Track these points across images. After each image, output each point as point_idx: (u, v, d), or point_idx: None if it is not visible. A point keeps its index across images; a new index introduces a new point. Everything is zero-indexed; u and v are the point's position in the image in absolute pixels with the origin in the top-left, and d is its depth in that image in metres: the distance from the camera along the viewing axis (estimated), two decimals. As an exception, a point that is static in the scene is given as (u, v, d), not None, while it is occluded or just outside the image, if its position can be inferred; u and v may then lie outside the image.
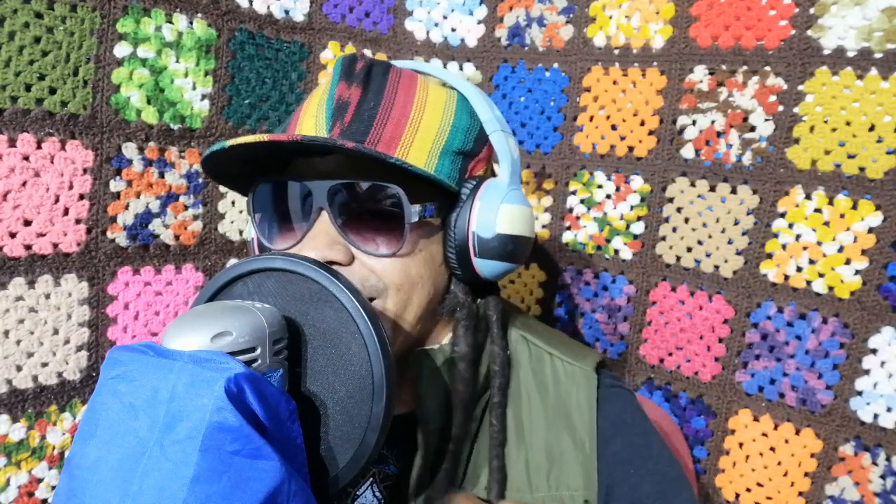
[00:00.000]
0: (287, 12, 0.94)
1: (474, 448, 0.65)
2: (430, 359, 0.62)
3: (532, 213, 0.65)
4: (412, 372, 0.63)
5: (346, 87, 0.62)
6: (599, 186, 1.04)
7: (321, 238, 0.58)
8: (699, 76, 0.95)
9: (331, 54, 0.99)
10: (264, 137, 0.54)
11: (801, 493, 0.90)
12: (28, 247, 0.74)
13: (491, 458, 0.62)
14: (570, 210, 1.07)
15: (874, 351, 0.84)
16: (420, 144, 0.61)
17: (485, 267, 0.62)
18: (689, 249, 0.98)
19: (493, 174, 0.68)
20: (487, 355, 0.66)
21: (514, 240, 0.61)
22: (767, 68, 0.89)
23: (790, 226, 0.89)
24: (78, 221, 0.78)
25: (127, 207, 0.81)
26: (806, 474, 0.89)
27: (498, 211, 0.60)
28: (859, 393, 0.85)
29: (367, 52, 1.04)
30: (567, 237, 1.08)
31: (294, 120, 0.66)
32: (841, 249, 0.85)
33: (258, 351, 0.44)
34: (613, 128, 1.02)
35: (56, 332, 0.77)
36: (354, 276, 0.59)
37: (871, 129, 0.82)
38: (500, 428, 0.64)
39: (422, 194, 0.60)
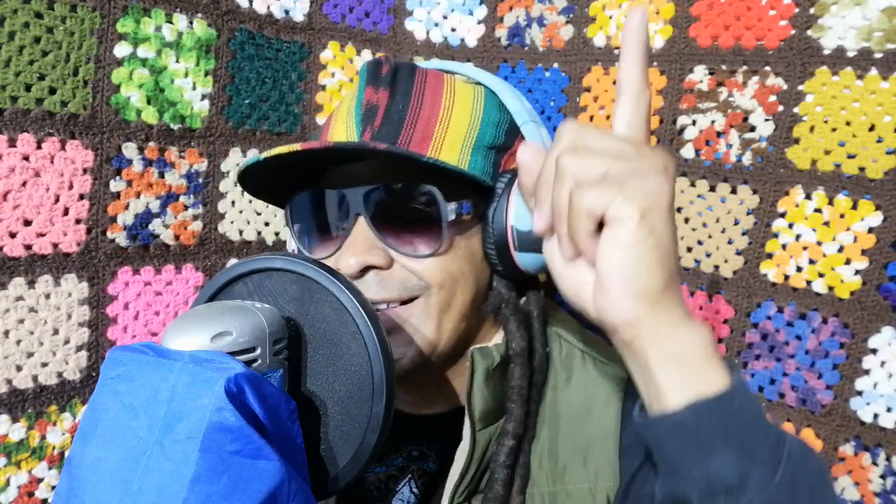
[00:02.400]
0: (287, 12, 0.94)
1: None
2: (486, 357, 0.61)
3: None
4: (462, 370, 0.63)
5: (374, 92, 0.61)
6: (599, 186, 1.04)
7: (360, 244, 0.59)
8: (699, 76, 0.94)
9: (331, 54, 0.99)
10: (297, 147, 0.54)
11: (801, 493, 0.90)
12: (28, 247, 0.74)
13: (519, 452, 0.62)
14: (570, 210, 1.07)
15: (874, 351, 0.84)
16: (452, 142, 0.61)
17: (525, 260, 0.61)
18: (689, 249, 0.98)
19: None
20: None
21: None
22: (767, 68, 0.89)
23: (790, 226, 0.89)
24: (78, 221, 0.78)
25: (127, 207, 0.81)
26: (806, 474, 0.89)
27: None
28: (859, 393, 0.85)
29: (367, 52, 1.04)
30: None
31: (325, 128, 0.66)
32: (841, 249, 0.85)
33: (258, 351, 0.44)
34: (613, 128, 1.02)
35: (56, 332, 0.77)
36: (395, 278, 0.59)
37: (871, 129, 0.82)
38: (532, 425, 0.64)
39: (457, 192, 0.60)
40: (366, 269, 0.59)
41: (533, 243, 0.60)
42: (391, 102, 0.61)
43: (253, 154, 0.93)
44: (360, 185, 0.59)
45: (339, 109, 0.66)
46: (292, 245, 0.70)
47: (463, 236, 0.62)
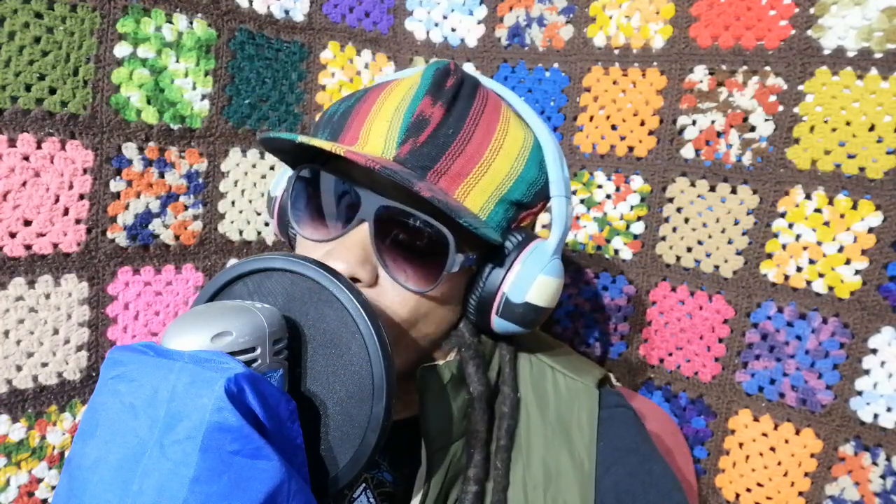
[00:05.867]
0: (287, 12, 0.94)
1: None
2: (436, 376, 0.61)
3: (562, 286, 0.64)
4: (414, 386, 0.62)
5: (431, 104, 0.58)
6: (599, 186, 1.04)
7: (355, 251, 0.56)
8: (699, 76, 0.95)
9: (331, 54, 0.99)
10: (341, 151, 0.51)
11: (801, 493, 0.90)
12: (28, 247, 0.74)
13: (493, 502, 0.61)
14: (570, 210, 1.07)
15: (874, 351, 0.84)
16: (483, 188, 0.59)
17: (500, 325, 0.61)
18: (689, 249, 0.98)
19: (533, 227, 0.68)
20: (498, 395, 0.65)
21: (538, 310, 0.60)
22: (767, 68, 0.89)
23: (790, 226, 0.89)
24: (78, 221, 0.78)
25: (127, 207, 0.81)
26: (806, 474, 0.89)
27: (535, 280, 0.59)
28: (859, 393, 0.85)
29: (367, 52, 1.04)
30: (567, 237, 1.08)
31: (360, 116, 0.61)
32: (841, 249, 0.85)
33: (258, 351, 0.44)
34: (613, 128, 1.02)
35: (56, 332, 0.77)
36: (368, 297, 0.58)
37: (871, 129, 0.82)
38: (504, 473, 0.62)
39: (468, 240, 0.58)
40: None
41: (515, 315, 0.60)
42: (443, 122, 0.58)
43: (253, 154, 0.93)
44: (378, 195, 0.56)
45: (385, 104, 0.60)
46: (275, 192, 0.68)
47: (452, 282, 0.60)
